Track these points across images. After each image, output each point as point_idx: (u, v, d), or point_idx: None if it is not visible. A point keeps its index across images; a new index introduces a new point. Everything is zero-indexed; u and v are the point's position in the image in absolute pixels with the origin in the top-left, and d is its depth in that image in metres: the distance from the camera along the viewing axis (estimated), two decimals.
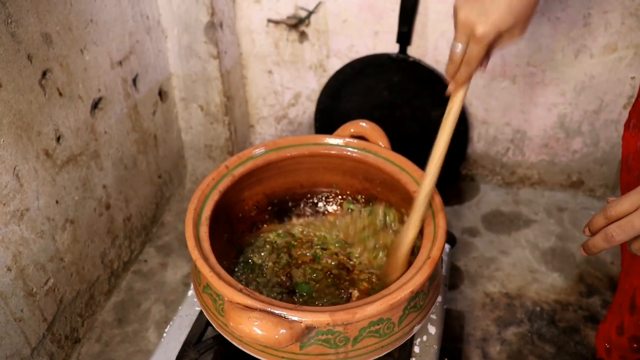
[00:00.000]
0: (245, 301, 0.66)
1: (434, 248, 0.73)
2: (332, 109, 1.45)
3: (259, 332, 0.63)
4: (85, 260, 1.14)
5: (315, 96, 1.47)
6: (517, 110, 1.40)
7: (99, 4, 1.07)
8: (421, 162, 0.91)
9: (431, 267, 0.70)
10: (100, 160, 1.14)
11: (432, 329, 0.88)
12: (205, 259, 0.73)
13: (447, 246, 1.07)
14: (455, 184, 1.55)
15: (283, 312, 0.65)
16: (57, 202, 1.02)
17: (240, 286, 0.69)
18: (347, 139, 0.93)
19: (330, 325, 0.67)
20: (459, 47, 0.71)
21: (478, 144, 1.48)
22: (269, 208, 1.00)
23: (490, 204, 1.50)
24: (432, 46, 1.33)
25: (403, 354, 0.83)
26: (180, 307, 0.94)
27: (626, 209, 0.59)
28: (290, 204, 1.01)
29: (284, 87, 1.49)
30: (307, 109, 1.51)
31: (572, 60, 1.29)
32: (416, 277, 0.69)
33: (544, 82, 1.33)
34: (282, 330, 0.64)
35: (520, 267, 1.31)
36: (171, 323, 0.92)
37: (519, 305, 1.23)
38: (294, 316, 0.65)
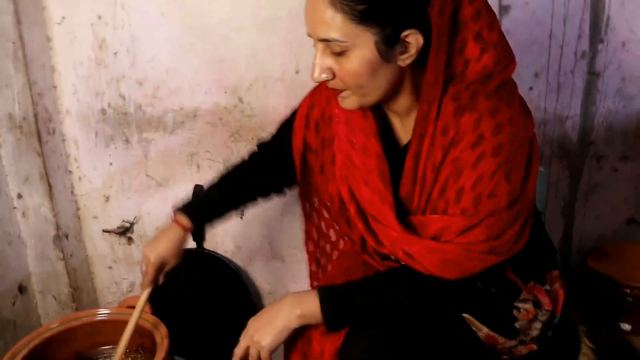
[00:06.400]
0: None
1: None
2: (155, 292, 1.93)
3: None
4: None
5: None
6: (290, 281, 1.92)
7: None
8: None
9: None
10: None
11: None
12: None
13: None
14: None
15: None
16: None
17: None
18: (118, 309, 1.41)
19: None
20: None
21: None
22: None
23: None
24: (220, 240, 1.88)
25: None
26: None
27: None
28: (92, 356, 1.44)
29: (121, 278, 1.98)
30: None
31: None
32: None
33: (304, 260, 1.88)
34: None
35: None
36: None
37: None
38: None
